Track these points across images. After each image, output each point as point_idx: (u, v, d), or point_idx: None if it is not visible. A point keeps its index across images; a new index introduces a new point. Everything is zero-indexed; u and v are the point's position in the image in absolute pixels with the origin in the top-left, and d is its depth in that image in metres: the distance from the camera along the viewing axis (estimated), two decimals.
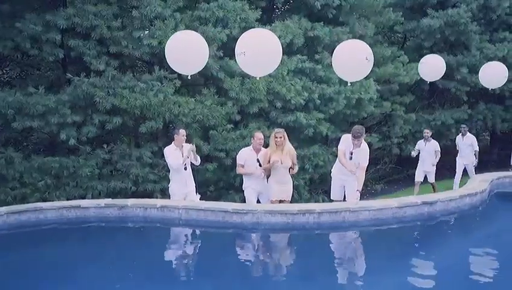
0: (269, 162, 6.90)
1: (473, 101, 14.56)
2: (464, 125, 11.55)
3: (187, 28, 9.53)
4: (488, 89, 13.81)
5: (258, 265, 5.50)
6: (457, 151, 11.57)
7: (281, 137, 6.91)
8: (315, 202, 10.66)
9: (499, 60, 13.72)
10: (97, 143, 9.69)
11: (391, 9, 13.37)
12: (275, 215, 6.20)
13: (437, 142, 10.94)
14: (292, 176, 7.27)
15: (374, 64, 11.16)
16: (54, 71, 11.04)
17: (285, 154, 6.91)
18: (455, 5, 14.11)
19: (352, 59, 6.97)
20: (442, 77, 13.88)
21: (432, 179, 10.97)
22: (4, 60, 10.75)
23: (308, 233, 6.27)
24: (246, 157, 7.13)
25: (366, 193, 12.43)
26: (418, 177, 10.99)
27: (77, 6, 9.16)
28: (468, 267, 5.31)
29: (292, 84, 10.36)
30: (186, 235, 6.53)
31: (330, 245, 6.26)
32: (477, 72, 13.63)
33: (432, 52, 12.81)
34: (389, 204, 6.59)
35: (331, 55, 10.59)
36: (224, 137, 9.75)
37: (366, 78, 11.66)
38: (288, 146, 7.03)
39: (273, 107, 10.35)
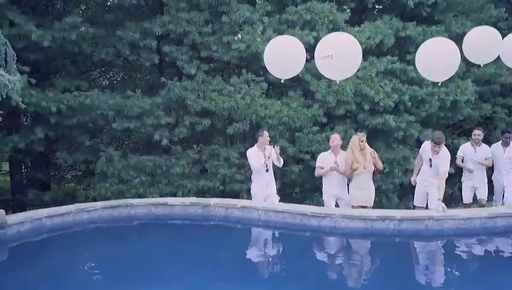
0: (351, 167, 6.83)
1: None
2: (509, 130, 8.15)
3: (275, 31, 9.70)
4: None
5: (332, 269, 5.48)
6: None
7: (364, 141, 6.83)
8: (405, 207, 10.31)
9: None
10: (188, 143, 10.17)
11: (493, 5, 12.49)
12: (354, 221, 6.13)
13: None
14: (376, 180, 7.14)
15: (473, 64, 10.70)
16: (151, 75, 11.76)
17: (367, 159, 6.80)
18: None
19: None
20: None
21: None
22: (108, 65, 11.63)
23: (387, 240, 6.10)
24: (325, 161, 7.10)
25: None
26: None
27: (172, 14, 9.71)
28: None
29: (381, 86, 10.09)
30: (264, 236, 6.66)
31: (409, 253, 6.05)
32: None
33: None
34: (477, 213, 6.21)
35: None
36: (310, 139, 9.74)
37: (463, 78, 11.11)
38: (368, 149, 6.91)
39: (360, 110, 10.16)
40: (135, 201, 7.13)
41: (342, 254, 6.10)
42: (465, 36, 7.33)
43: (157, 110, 9.60)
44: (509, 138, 7.87)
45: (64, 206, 6.72)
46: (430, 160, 6.59)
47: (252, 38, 9.40)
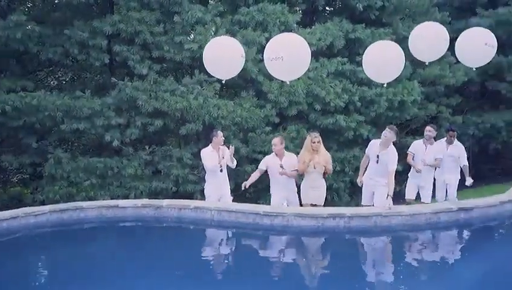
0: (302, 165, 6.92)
1: None
2: (453, 128, 8.14)
3: (227, 32, 9.73)
4: None
5: (285, 267, 5.55)
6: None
7: (318, 141, 6.88)
8: (356, 205, 10.56)
9: None
10: (140, 144, 10.04)
11: (437, 8, 13.00)
12: (305, 219, 6.24)
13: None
14: (328, 179, 7.24)
15: (418, 66, 11.10)
16: (101, 75, 11.53)
17: (319, 159, 6.89)
18: (507, 4, 13.54)
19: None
20: (493, 78, 13.48)
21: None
22: (56, 65, 11.31)
23: (338, 237, 6.25)
24: (270, 164, 7.09)
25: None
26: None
27: (122, 13, 9.57)
28: (501, 278, 5.15)
29: (332, 87, 10.32)
30: (217, 236, 6.67)
31: (359, 249, 6.23)
32: None
33: None
34: (422, 209, 6.46)
35: None
36: (263, 139, 9.84)
37: (410, 79, 11.51)
38: (323, 150, 7.00)
39: (312, 110, 10.34)
40: (85, 204, 6.97)
41: (295, 251, 6.20)
42: (411, 33, 7.43)
43: (107, 110, 9.43)
44: (454, 136, 7.84)
45: (10, 211, 6.50)
46: (378, 156, 6.76)
47: (205, 39, 9.38)
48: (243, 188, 6.95)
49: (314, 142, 6.83)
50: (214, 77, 9.51)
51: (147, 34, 9.54)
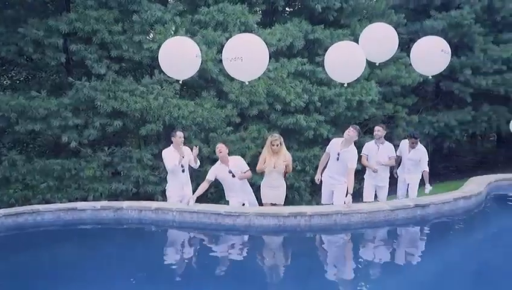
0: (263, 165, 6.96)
1: (477, 103, 14.43)
2: (415, 134, 7.95)
3: (187, 32, 9.69)
4: (493, 90, 13.84)
5: (248, 267, 5.56)
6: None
7: (277, 145, 6.89)
8: (317, 204, 10.71)
9: (503, 61, 13.71)
10: (98, 145, 9.85)
11: (393, 11, 13.34)
12: (267, 218, 6.28)
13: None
14: (289, 178, 7.29)
15: (375, 66, 11.36)
16: (57, 75, 11.24)
17: (279, 159, 6.94)
18: (459, 7, 14.04)
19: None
20: (446, 79, 13.92)
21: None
22: (9, 64, 10.95)
23: (299, 235, 6.33)
24: (217, 173, 7.00)
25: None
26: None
27: (79, 12, 9.36)
28: (456, 271, 5.34)
29: (292, 87, 10.43)
30: (179, 237, 6.62)
31: (320, 247, 6.33)
32: (481, 74, 13.71)
33: None
34: (380, 207, 6.62)
35: None
36: (224, 140, 9.81)
37: (368, 80, 11.76)
38: (284, 151, 7.04)
39: (273, 110, 10.42)
40: (42, 207, 6.77)
41: (257, 251, 6.22)
42: (361, 35, 7.52)
43: (64, 111, 9.20)
44: (415, 143, 7.77)
45: None
46: (339, 154, 6.86)
47: (164, 38, 9.25)
48: (191, 202, 6.69)
49: (273, 145, 6.85)
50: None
51: (105, 33, 9.36)
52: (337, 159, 6.87)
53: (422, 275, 5.18)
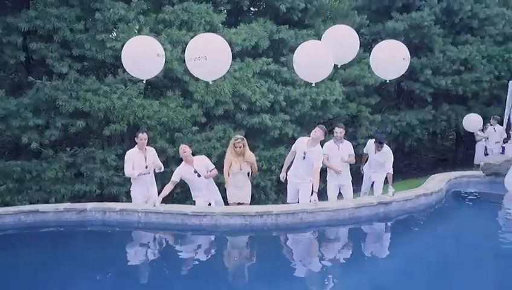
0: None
1: (437, 102, 14.85)
2: (380, 138, 7.89)
3: (151, 31, 9.58)
4: (452, 90, 14.28)
5: (215, 267, 5.56)
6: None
7: (240, 147, 6.92)
8: (283, 202, 10.79)
9: (461, 62, 14.16)
10: (60, 146, 9.63)
11: (356, 12, 13.58)
12: (233, 217, 6.30)
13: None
14: (255, 177, 7.33)
15: (339, 67, 11.51)
16: (17, 74, 10.92)
17: (244, 160, 6.98)
18: (419, 9, 14.43)
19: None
20: (407, 79, 14.27)
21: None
22: None
23: (266, 234, 6.38)
24: (182, 173, 6.96)
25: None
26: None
27: (39, 9, 9.10)
28: (418, 265, 5.50)
29: (257, 87, 10.47)
30: (145, 239, 6.54)
31: (287, 246, 6.39)
32: (441, 74, 14.12)
33: None
34: (345, 205, 6.74)
35: None
36: (190, 139, 9.77)
37: (331, 80, 11.92)
38: (248, 152, 7.08)
39: (238, 109, 10.43)
40: (1, 209, 6.58)
41: (224, 250, 6.23)
42: (322, 36, 7.64)
43: (24, 111, 8.94)
44: (380, 147, 7.73)
45: None
46: (305, 153, 6.93)
47: (128, 37, 9.13)
48: (157, 204, 6.61)
49: (236, 147, 6.89)
50: None
51: (66, 31, 9.15)
52: (304, 158, 6.94)
53: (385, 271, 5.32)
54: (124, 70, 9.29)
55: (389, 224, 6.95)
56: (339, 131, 7.65)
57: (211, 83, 7.39)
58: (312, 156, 6.88)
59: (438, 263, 5.53)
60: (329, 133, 12.43)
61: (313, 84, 8.32)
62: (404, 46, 7.52)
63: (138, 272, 5.39)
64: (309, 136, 7.00)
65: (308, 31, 11.82)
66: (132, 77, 9.29)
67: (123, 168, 9.29)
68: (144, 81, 7.31)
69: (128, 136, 10.12)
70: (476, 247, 6.07)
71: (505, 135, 12.09)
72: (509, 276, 5.21)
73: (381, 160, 7.75)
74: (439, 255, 5.84)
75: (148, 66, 6.60)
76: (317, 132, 6.86)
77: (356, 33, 7.66)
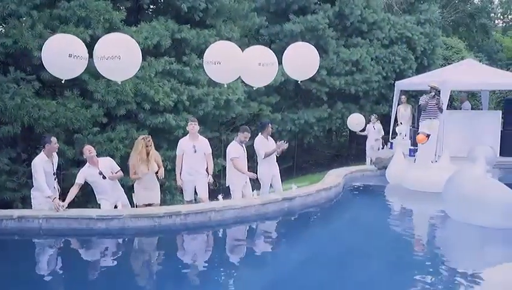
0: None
1: (332, 101, 15.68)
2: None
3: (46, 27, 9.10)
4: (345, 89, 15.18)
5: (123, 270, 5.48)
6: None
7: (151, 145, 6.96)
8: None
9: (352, 63, 15.09)
10: None
11: (255, 13, 13.91)
12: (141, 219, 6.24)
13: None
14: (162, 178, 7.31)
15: None
16: None
17: (151, 160, 6.95)
18: (314, 12, 15.10)
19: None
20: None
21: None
22: None
23: (175, 235, 6.39)
24: (86, 175, 6.79)
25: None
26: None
27: None
28: (321, 255, 5.85)
29: (160, 86, 10.36)
30: (47, 246, 6.23)
31: (197, 245, 6.46)
32: (335, 74, 14.95)
33: None
34: (252, 202, 6.96)
35: (199, 57, 10.89)
36: (91, 140, 9.41)
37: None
38: (154, 151, 7.08)
39: (141, 109, 10.26)
40: None
41: (132, 253, 6.15)
42: (285, 53, 8.34)
43: None
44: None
45: None
46: (194, 146, 7.34)
47: (20, 34, 8.65)
48: (60, 209, 6.31)
49: (148, 146, 6.89)
50: (32, 74, 8.91)
51: None
52: (195, 151, 7.34)
53: (291, 262, 5.61)
54: (16, 69, 8.85)
55: (293, 218, 7.30)
56: (247, 136, 7.61)
57: (119, 83, 7.26)
58: (201, 145, 7.39)
59: (340, 251, 5.98)
60: (231, 131, 12.79)
61: (225, 85, 8.59)
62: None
63: (40, 282, 5.12)
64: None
65: (210, 31, 11.90)
66: (26, 75, 8.87)
67: (17, 172, 8.85)
68: (63, 81, 6.95)
69: (22, 139, 9.53)
70: (371, 233, 6.84)
71: (383, 133, 13.13)
72: (395, 253, 5.90)
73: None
74: (340, 243, 6.34)
75: (65, 67, 6.36)
76: (194, 126, 7.46)
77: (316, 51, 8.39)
